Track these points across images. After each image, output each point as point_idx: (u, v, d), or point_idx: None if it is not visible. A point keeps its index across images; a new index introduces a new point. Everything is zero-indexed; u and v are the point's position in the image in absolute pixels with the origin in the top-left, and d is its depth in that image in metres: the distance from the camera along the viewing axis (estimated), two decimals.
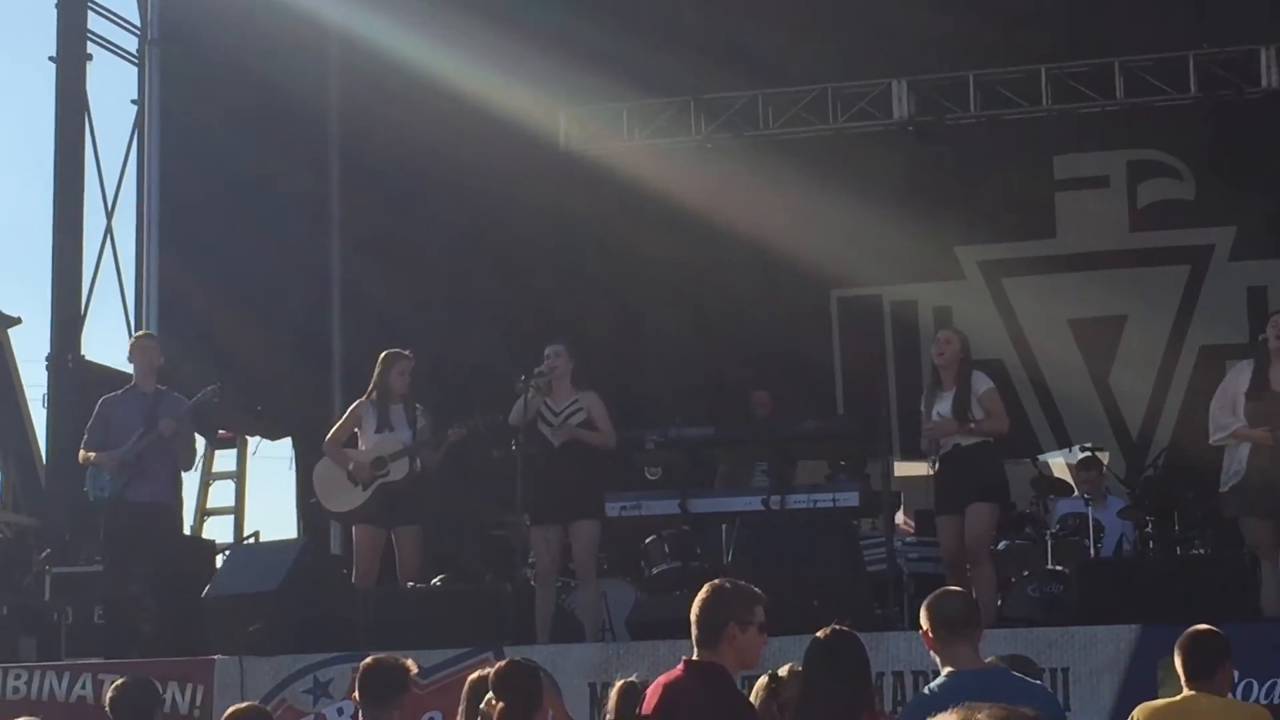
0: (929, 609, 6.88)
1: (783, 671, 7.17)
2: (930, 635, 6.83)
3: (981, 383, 12.07)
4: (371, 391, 12.80)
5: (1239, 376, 11.58)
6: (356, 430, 12.82)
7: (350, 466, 12.66)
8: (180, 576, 12.71)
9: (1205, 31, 16.26)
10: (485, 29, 15.92)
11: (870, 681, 7.32)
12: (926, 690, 6.91)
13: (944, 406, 11.99)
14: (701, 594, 6.87)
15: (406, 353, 12.82)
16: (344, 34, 16.80)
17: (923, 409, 12.23)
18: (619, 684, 7.63)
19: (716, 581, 6.94)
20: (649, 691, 6.93)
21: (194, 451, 13.52)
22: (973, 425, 11.90)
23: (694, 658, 6.80)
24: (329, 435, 12.92)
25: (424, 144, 16.54)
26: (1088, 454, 14.79)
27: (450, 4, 16.23)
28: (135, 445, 12.72)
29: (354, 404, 13.01)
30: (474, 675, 8.23)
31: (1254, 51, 16.33)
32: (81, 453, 13.10)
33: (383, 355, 12.82)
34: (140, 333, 14.40)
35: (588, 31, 16.40)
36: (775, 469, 13.13)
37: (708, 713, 6.66)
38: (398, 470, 12.57)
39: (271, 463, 22.88)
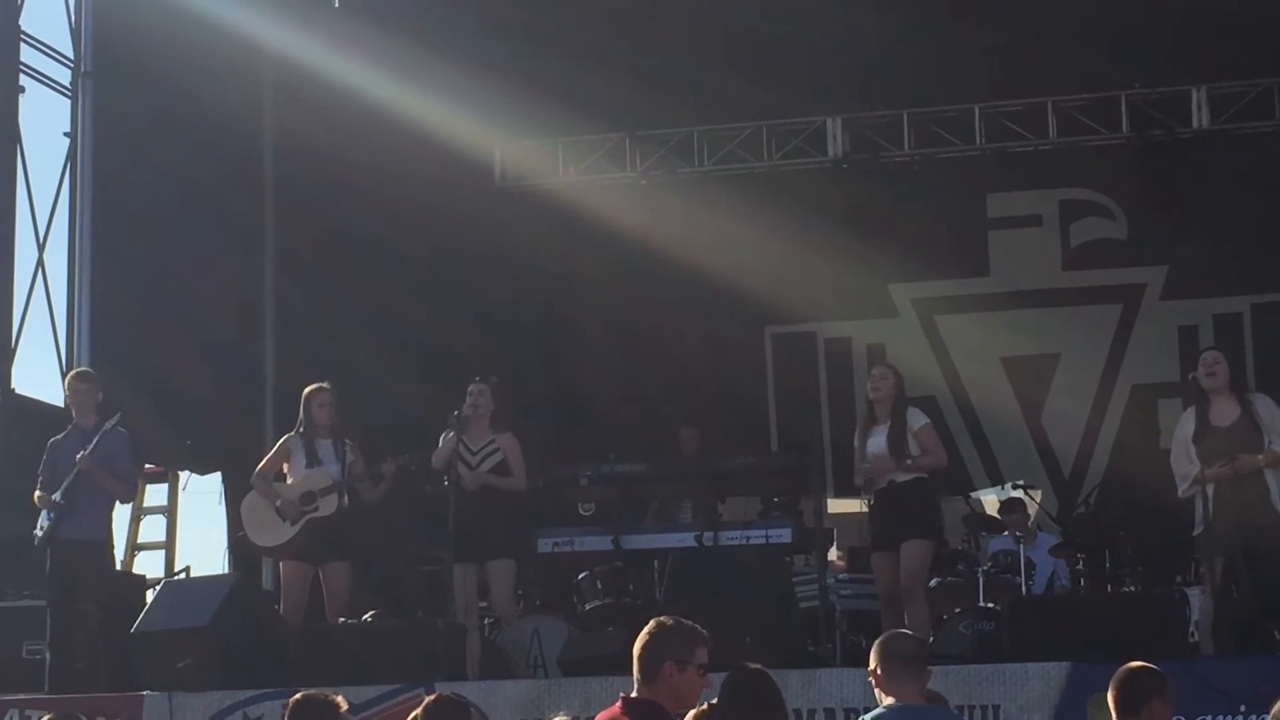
0: (881, 646, 6.89)
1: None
2: (879, 672, 6.82)
3: (917, 419, 12.13)
4: (299, 426, 12.79)
5: (1185, 425, 11.65)
6: (285, 465, 12.79)
7: (278, 503, 12.63)
8: (112, 612, 12.63)
9: (1137, 72, 16.37)
10: (421, 58, 15.93)
11: (785, 718, 7.29)
12: None
13: (878, 443, 12.03)
14: (645, 630, 6.87)
15: (325, 385, 12.82)
16: (279, 59, 16.78)
17: (856, 444, 12.26)
18: None
19: (661, 619, 6.94)
20: None
21: (128, 484, 13.38)
22: (910, 461, 11.95)
23: (633, 695, 6.80)
24: (257, 469, 12.91)
25: (359, 170, 16.57)
26: (1015, 495, 14.86)
27: (386, 30, 16.27)
28: (65, 483, 12.67)
29: (283, 438, 12.99)
30: (413, 714, 8.16)
31: (1185, 92, 16.44)
32: (35, 494, 13.05)
33: (305, 392, 12.83)
34: (75, 371, 14.27)
35: (523, 66, 16.43)
36: (707, 505, 13.13)
37: None
38: (327, 506, 12.53)
39: (202, 497, 22.70)
